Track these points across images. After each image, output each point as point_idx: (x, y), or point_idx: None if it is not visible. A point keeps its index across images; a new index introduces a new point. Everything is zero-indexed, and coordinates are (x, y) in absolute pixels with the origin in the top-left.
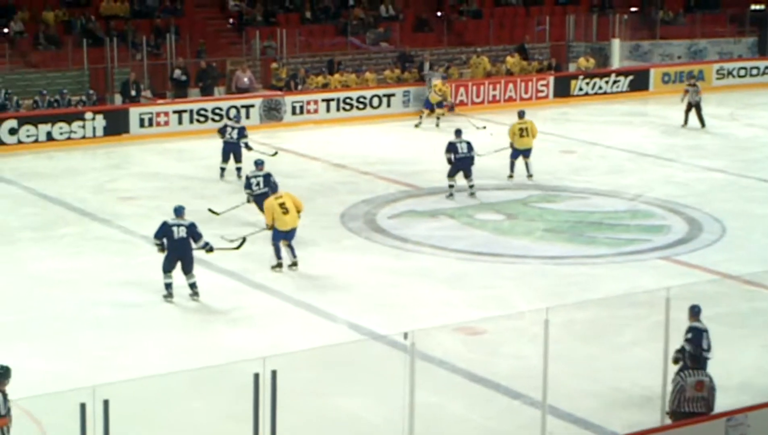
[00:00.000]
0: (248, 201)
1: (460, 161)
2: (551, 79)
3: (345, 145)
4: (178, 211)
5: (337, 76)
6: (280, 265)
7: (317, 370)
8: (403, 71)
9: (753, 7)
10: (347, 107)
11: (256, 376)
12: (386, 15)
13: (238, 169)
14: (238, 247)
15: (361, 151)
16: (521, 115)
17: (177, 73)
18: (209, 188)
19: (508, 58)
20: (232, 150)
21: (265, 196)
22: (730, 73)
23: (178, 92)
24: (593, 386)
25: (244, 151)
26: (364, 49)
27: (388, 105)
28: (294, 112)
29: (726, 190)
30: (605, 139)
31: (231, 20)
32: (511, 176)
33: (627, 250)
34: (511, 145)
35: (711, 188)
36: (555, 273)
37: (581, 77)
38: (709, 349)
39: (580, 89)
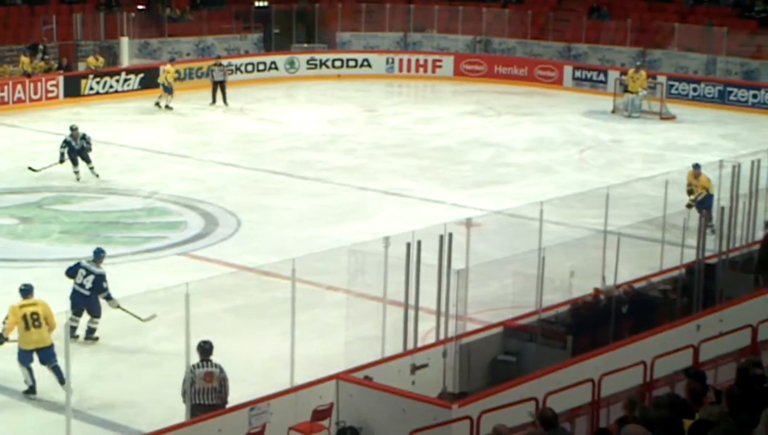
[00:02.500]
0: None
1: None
2: (61, 78)
3: None
4: None
5: None
6: None
7: None
8: None
9: (257, 3)
10: None
11: None
12: None
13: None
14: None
15: None
16: None
17: None
18: None
19: (23, 58)
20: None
21: (80, 152)
22: (238, 68)
23: None
24: (120, 386)
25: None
26: None
27: None
28: None
29: (239, 183)
30: (118, 138)
31: None
32: None
33: (144, 248)
34: None
35: (225, 183)
36: None
37: (91, 76)
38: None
39: (91, 88)
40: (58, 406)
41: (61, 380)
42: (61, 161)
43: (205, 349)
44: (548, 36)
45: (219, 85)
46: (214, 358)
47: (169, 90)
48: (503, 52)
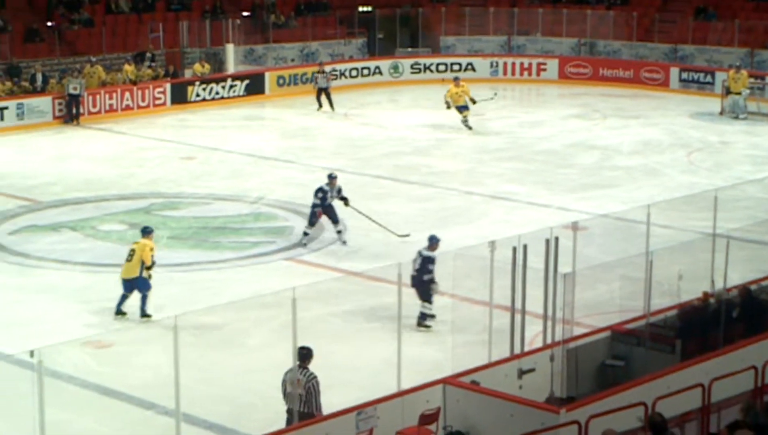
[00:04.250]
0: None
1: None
2: (168, 86)
3: None
4: None
5: None
6: None
7: None
8: (14, 84)
9: (361, 8)
10: None
11: None
12: None
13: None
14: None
15: None
16: None
17: None
18: None
19: (126, 66)
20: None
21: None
22: (342, 74)
23: None
24: (227, 390)
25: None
26: None
27: (1, 118)
28: None
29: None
30: (224, 144)
31: None
32: None
33: (252, 253)
34: None
35: None
36: (182, 280)
37: (198, 83)
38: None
39: (198, 95)
40: (168, 410)
41: (141, 313)
42: (312, 223)
43: (302, 354)
44: (654, 37)
45: (324, 92)
46: (321, 362)
47: (466, 107)
48: (608, 54)
